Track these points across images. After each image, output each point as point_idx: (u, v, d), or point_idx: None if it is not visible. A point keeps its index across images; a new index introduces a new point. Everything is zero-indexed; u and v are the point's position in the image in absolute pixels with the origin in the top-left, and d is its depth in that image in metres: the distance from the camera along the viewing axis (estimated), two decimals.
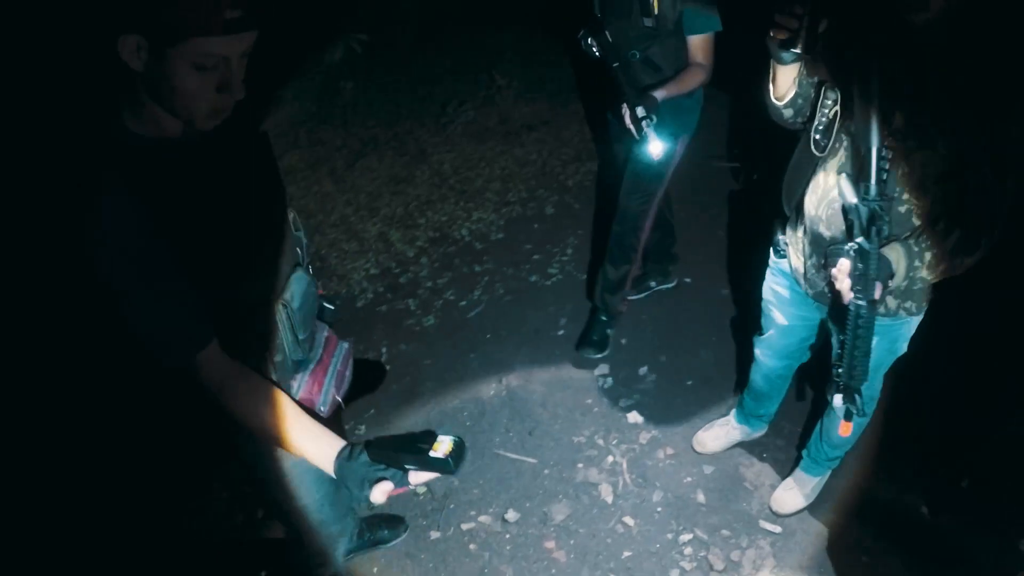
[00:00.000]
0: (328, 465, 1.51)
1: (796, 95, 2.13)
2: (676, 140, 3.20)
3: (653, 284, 4.01)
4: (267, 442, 1.62)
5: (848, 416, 2.11)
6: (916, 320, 2.26)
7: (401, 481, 1.46)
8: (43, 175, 1.56)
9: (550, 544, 2.95)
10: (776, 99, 2.16)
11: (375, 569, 2.91)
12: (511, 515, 3.05)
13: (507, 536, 2.99)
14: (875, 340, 2.06)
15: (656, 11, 2.92)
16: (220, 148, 1.57)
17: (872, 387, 2.50)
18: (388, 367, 3.74)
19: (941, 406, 3.16)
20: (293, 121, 5.50)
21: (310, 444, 1.56)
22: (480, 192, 4.88)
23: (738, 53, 2.86)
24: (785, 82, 2.11)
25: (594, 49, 3.01)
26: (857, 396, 2.08)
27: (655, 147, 2.96)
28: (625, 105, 2.94)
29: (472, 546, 2.97)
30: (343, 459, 1.50)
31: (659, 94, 2.97)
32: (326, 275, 4.31)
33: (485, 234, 4.55)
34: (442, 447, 1.44)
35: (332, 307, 2.11)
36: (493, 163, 5.12)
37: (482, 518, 3.05)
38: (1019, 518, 2.71)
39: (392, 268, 4.35)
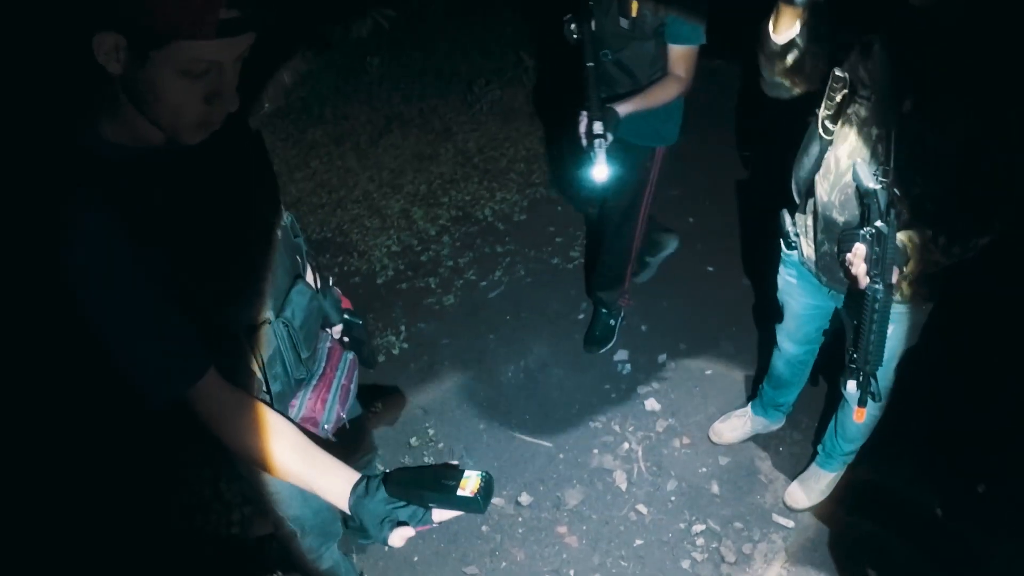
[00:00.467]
0: (342, 501, 1.40)
1: (794, 44, 1.97)
2: (654, 151, 3.05)
3: (649, 259, 3.92)
4: (271, 475, 1.49)
5: (863, 402, 2.10)
6: (929, 307, 2.26)
7: (424, 519, 1.36)
8: (9, 195, 1.39)
9: (562, 529, 2.96)
10: (774, 38, 1.98)
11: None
12: (524, 498, 3.05)
13: (520, 519, 3.00)
14: (891, 327, 2.06)
15: (634, 13, 2.69)
16: (209, 154, 1.40)
17: (886, 377, 2.49)
18: (406, 345, 3.74)
19: (955, 404, 3.13)
20: (318, 96, 5.49)
21: (321, 479, 1.43)
22: (504, 172, 4.86)
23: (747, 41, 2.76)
24: (787, 22, 1.95)
25: (575, 37, 2.77)
26: (873, 380, 2.06)
27: (600, 171, 2.71)
28: (585, 113, 2.72)
29: (484, 528, 2.98)
30: (359, 495, 1.38)
31: (623, 109, 2.74)
32: (347, 251, 4.31)
33: (508, 215, 4.53)
34: (469, 484, 1.32)
35: (359, 322, 1.95)
36: (518, 143, 5.08)
37: (495, 500, 3.05)
38: None
39: (414, 246, 4.34)
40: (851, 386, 2.09)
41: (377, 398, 3.47)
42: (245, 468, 1.84)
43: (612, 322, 3.65)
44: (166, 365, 1.36)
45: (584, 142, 2.73)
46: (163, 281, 1.32)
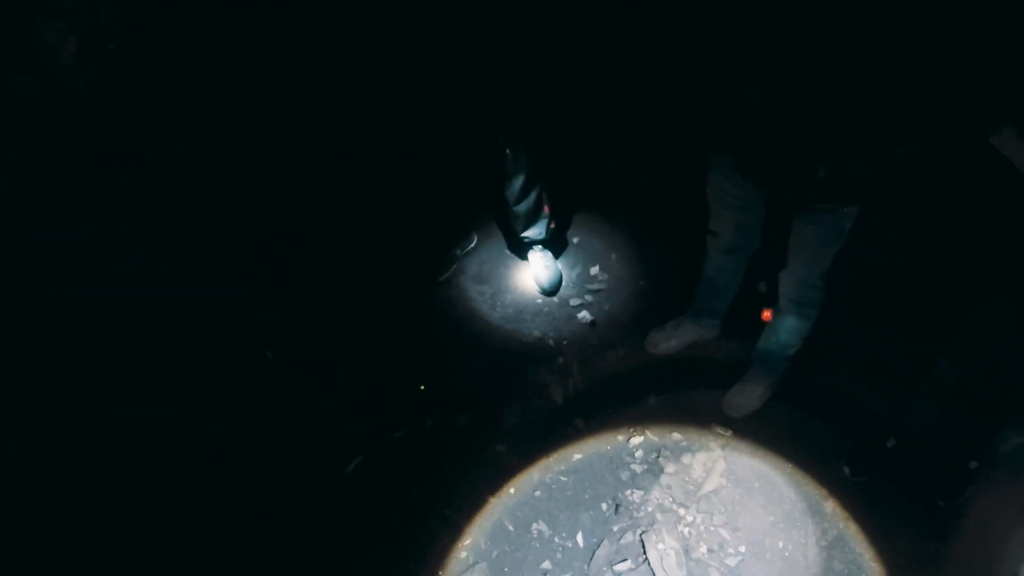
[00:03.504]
0: None
1: None
2: None
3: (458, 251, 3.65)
4: None
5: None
6: (853, 211, 2.25)
7: None
8: None
9: (501, 447, 2.91)
10: None
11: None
12: (462, 419, 2.99)
13: (457, 440, 2.94)
14: (812, 228, 2.25)
15: None
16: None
17: (813, 281, 2.51)
18: None
19: (889, 310, 3.15)
20: None
21: None
22: None
23: None
24: None
25: None
26: None
27: None
28: None
29: (422, 449, 2.92)
30: None
31: None
32: None
33: None
34: None
35: None
36: None
37: (431, 422, 2.99)
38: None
39: None
40: (761, 286, 2.12)
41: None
42: None
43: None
44: None
45: None
46: None
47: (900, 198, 2.54)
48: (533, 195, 3.08)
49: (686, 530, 2.68)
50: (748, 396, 2.95)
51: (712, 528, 2.68)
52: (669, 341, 3.17)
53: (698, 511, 2.72)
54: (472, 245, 3.61)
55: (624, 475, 2.82)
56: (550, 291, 3.40)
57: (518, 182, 3.00)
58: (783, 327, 2.75)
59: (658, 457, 2.86)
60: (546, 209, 3.26)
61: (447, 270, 3.52)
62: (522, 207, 3.12)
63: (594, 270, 3.51)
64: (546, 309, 3.38)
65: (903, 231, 3.17)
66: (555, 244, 3.47)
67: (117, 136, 1.46)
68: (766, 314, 2.18)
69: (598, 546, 2.66)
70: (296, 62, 2.78)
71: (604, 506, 2.76)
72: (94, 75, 1.21)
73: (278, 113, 2.95)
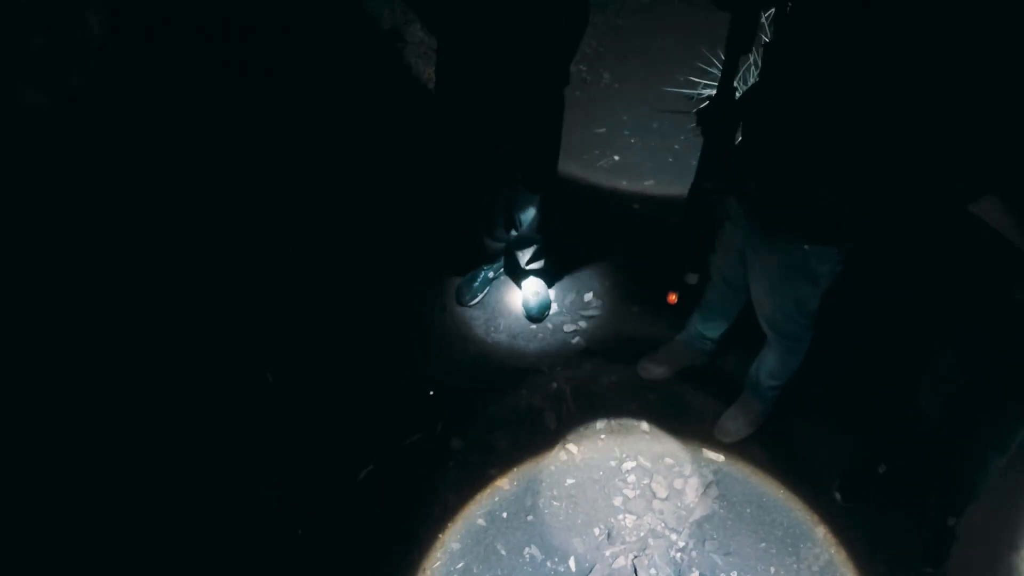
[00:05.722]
0: None
1: None
2: None
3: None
4: None
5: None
6: (834, 251, 2.23)
7: None
8: None
9: (493, 471, 2.92)
10: None
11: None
12: (455, 443, 3.00)
13: (451, 464, 2.94)
14: (776, 257, 2.29)
15: None
16: None
17: (785, 308, 2.49)
18: None
19: (877, 342, 3.18)
20: None
21: None
22: None
23: None
24: None
25: None
26: None
27: None
28: None
29: (417, 473, 2.92)
30: None
31: None
32: None
33: None
34: None
35: None
36: None
37: (425, 446, 2.99)
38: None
39: None
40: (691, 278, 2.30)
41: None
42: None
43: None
44: None
45: None
46: None
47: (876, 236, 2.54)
48: (532, 221, 3.10)
49: (678, 555, 2.68)
50: (740, 422, 2.96)
51: (704, 553, 2.69)
52: (662, 366, 3.18)
53: (690, 536, 2.72)
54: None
55: (616, 500, 2.83)
56: (537, 318, 3.41)
57: (519, 208, 3.02)
58: (770, 357, 2.77)
59: (650, 483, 2.86)
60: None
61: (479, 293, 3.53)
62: (519, 232, 3.15)
63: (588, 296, 3.53)
64: (540, 335, 3.40)
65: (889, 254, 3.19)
66: (550, 270, 3.49)
67: (116, 138, 1.47)
68: (671, 297, 2.22)
69: (590, 571, 2.65)
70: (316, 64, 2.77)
71: (596, 531, 2.76)
72: (91, 79, 1.22)
73: (291, 122, 2.95)
